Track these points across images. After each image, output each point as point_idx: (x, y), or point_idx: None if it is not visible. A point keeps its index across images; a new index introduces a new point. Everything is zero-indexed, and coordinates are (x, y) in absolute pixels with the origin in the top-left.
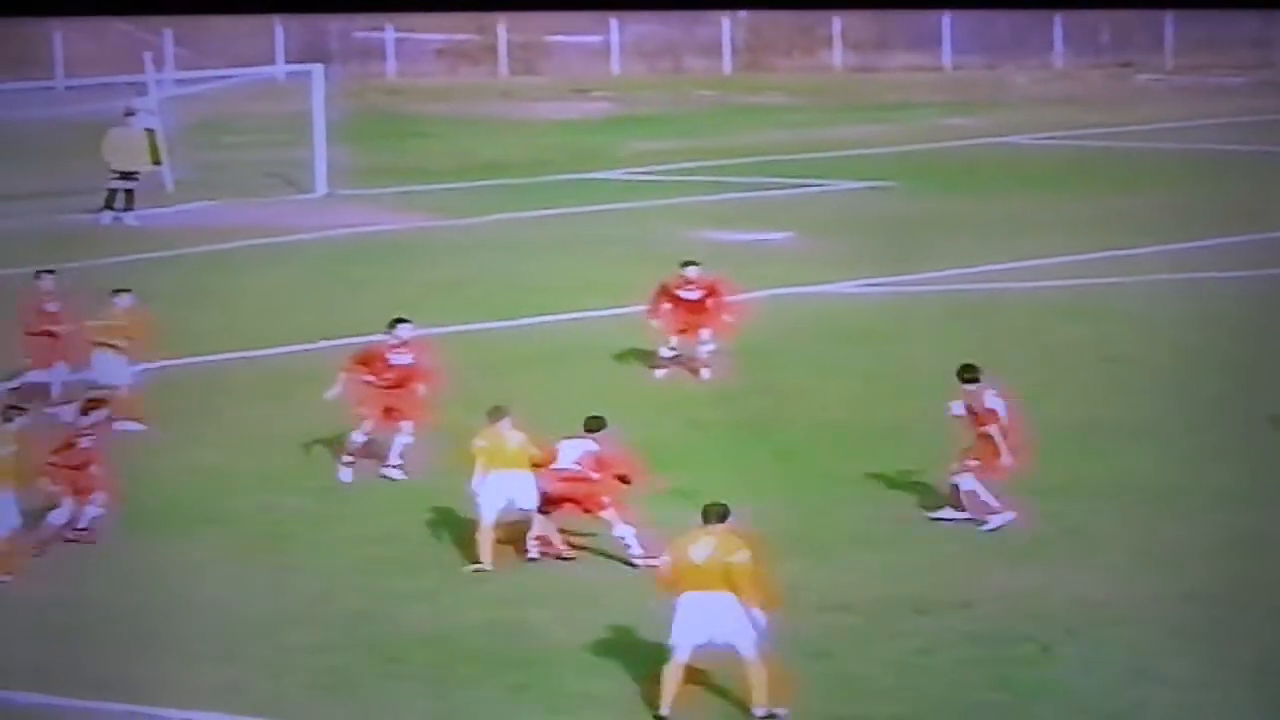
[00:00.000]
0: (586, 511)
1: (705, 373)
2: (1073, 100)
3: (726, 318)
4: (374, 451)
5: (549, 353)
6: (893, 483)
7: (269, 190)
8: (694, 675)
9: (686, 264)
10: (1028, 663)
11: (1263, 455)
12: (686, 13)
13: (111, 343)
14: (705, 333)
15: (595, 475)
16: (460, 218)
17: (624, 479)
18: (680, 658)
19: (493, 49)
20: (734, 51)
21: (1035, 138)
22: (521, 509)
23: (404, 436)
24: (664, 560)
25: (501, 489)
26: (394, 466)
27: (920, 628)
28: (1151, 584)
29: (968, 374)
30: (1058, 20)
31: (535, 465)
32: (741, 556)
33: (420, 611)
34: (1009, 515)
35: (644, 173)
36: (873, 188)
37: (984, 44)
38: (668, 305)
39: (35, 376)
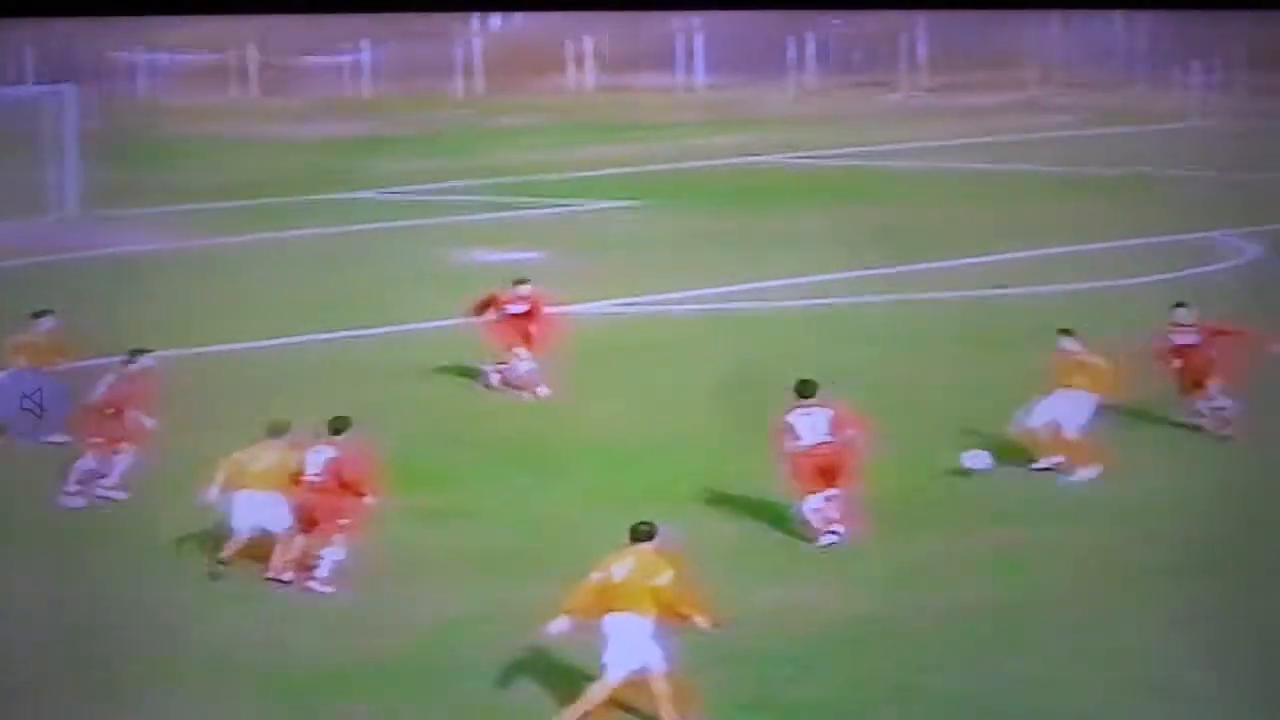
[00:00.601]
0: (320, 532)
1: (543, 390)
2: (825, 119)
3: (549, 334)
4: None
5: (308, 370)
6: (651, 500)
7: (20, 210)
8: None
9: (518, 281)
10: (788, 681)
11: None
12: (438, 34)
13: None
14: (523, 350)
15: (334, 485)
16: (216, 237)
17: (358, 492)
18: (613, 678)
19: (246, 69)
20: (481, 72)
21: (787, 157)
22: (269, 531)
23: (124, 458)
24: (593, 578)
25: (249, 509)
26: (115, 489)
27: (680, 647)
28: (913, 599)
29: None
30: (810, 39)
31: (296, 482)
32: (664, 578)
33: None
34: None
35: (397, 192)
36: (625, 207)
37: (736, 63)
38: (494, 319)
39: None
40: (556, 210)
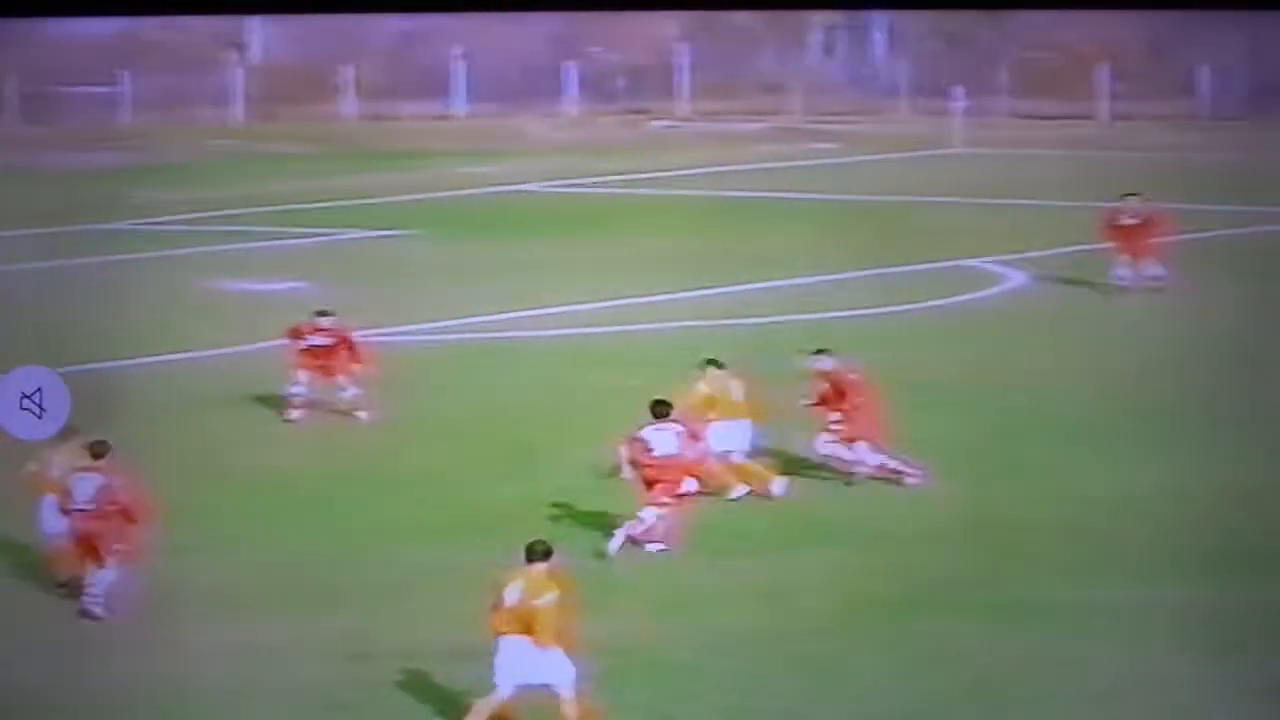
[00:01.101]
0: (94, 561)
1: (363, 415)
2: (587, 147)
3: (360, 364)
4: None
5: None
6: (415, 531)
7: None
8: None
9: (320, 313)
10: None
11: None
12: (196, 60)
13: None
14: (343, 378)
15: (108, 511)
16: None
17: (132, 518)
18: (501, 695)
19: (5, 98)
20: (246, 101)
21: (551, 185)
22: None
23: None
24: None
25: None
26: None
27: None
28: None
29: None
30: (571, 68)
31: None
32: (547, 599)
33: None
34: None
35: (159, 223)
36: (389, 236)
37: (497, 91)
38: (300, 348)
39: None
40: (319, 239)
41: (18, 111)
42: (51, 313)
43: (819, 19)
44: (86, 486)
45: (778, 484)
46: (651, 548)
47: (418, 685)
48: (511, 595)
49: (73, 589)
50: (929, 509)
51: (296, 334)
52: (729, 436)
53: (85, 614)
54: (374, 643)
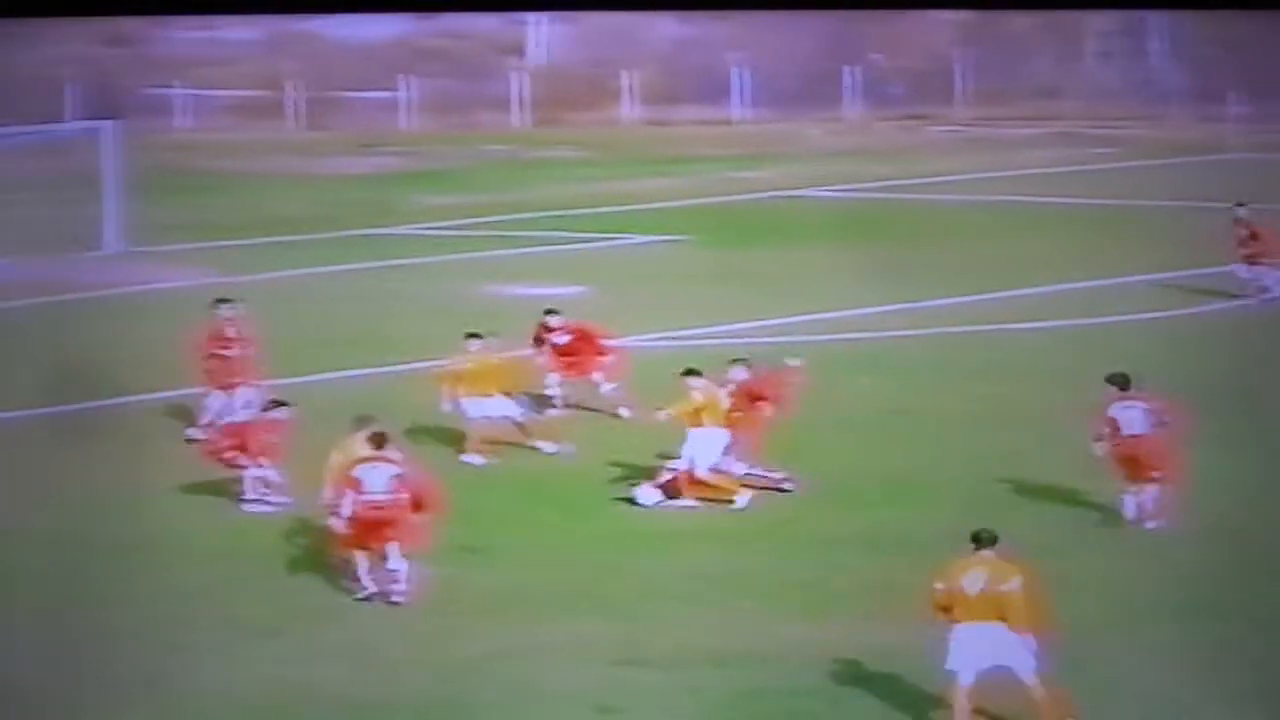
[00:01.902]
0: (385, 549)
1: (625, 412)
2: (864, 152)
3: (606, 356)
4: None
5: (346, 406)
6: (688, 537)
7: (61, 247)
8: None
9: (548, 311)
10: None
11: (1056, 509)
12: (476, 68)
13: None
14: (596, 375)
15: (403, 501)
16: (253, 274)
17: (419, 505)
18: (964, 682)
19: (282, 105)
20: (525, 106)
21: (827, 190)
22: None
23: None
24: (939, 588)
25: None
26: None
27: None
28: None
29: None
30: (848, 72)
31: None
32: (1013, 584)
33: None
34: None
35: (436, 228)
36: (666, 241)
37: (775, 97)
38: (547, 351)
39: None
40: (597, 245)
41: (299, 117)
42: (333, 317)
43: (1096, 24)
44: (378, 476)
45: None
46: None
47: (685, 690)
48: (973, 583)
49: (367, 578)
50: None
51: (538, 339)
52: (702, 446)
53: (387, 601)
54: (643, 647)
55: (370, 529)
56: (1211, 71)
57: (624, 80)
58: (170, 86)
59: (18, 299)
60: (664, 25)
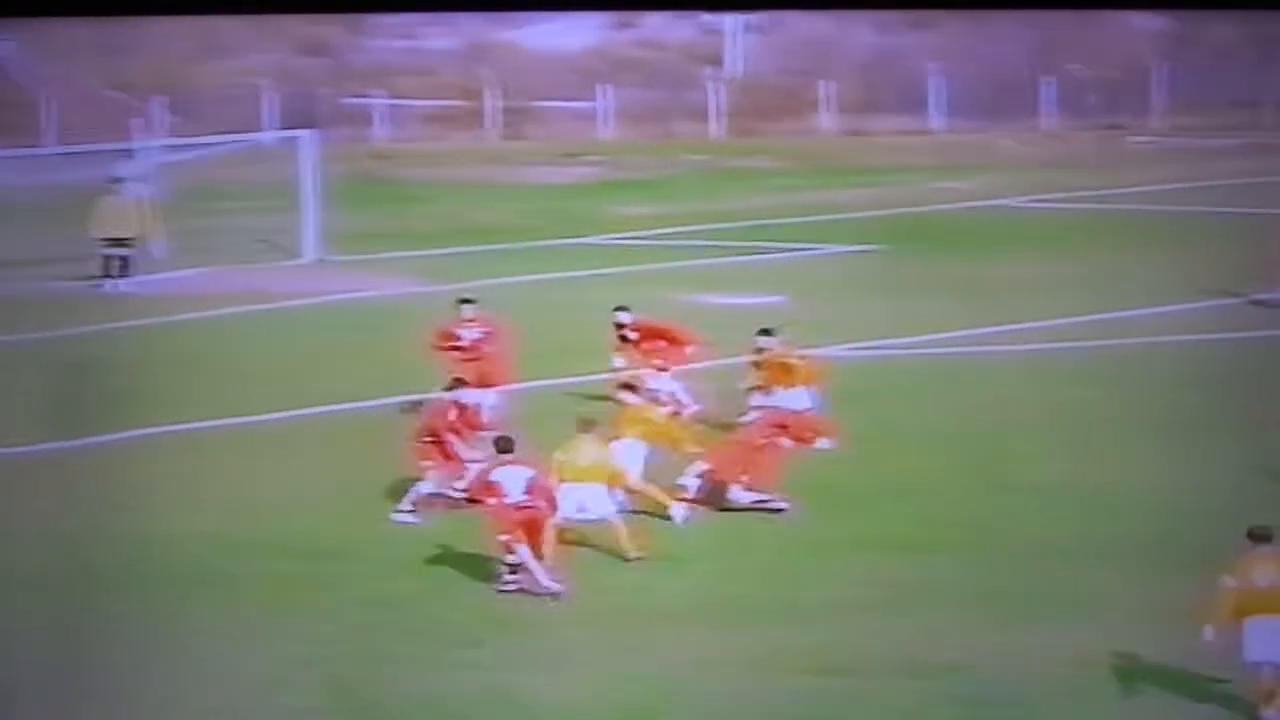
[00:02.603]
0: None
1: (689, 409)
2: (1062, 162)
3: (685, 345)
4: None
5: (546, 415)
6: (885, 545)
7: (260, 256)
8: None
9: (619, 308)
10: None
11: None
12: (676, 78)
13: None
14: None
15: (541, 499)
16: (450, 282)
17: (554, 505)
18: (1266, 674)
19: (481, 114)
20: (722, 115)
21: (1025, 200)
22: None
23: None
24: (1230, 584)
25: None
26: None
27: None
28: (1150, 645)
29: None
30: (1048, 82)
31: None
32: None
33: (414, 677)
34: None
35: (633, 237)
36: (862, 251)
37: (973, 107)
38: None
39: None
40: (793, 255)
41: (497, 126)
42: (532, 326)
43: None
44: (516, 479)
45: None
46: None
47: (882, 700)
48: (1265, 577)
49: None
50: None
51: (622, 338)
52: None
53: (547, 593)
54: (851, 658)
55: (527, 527)
56: None
57: (821, 90)
58: (368, 96)
59: (218, 308)
60: (861, 35)
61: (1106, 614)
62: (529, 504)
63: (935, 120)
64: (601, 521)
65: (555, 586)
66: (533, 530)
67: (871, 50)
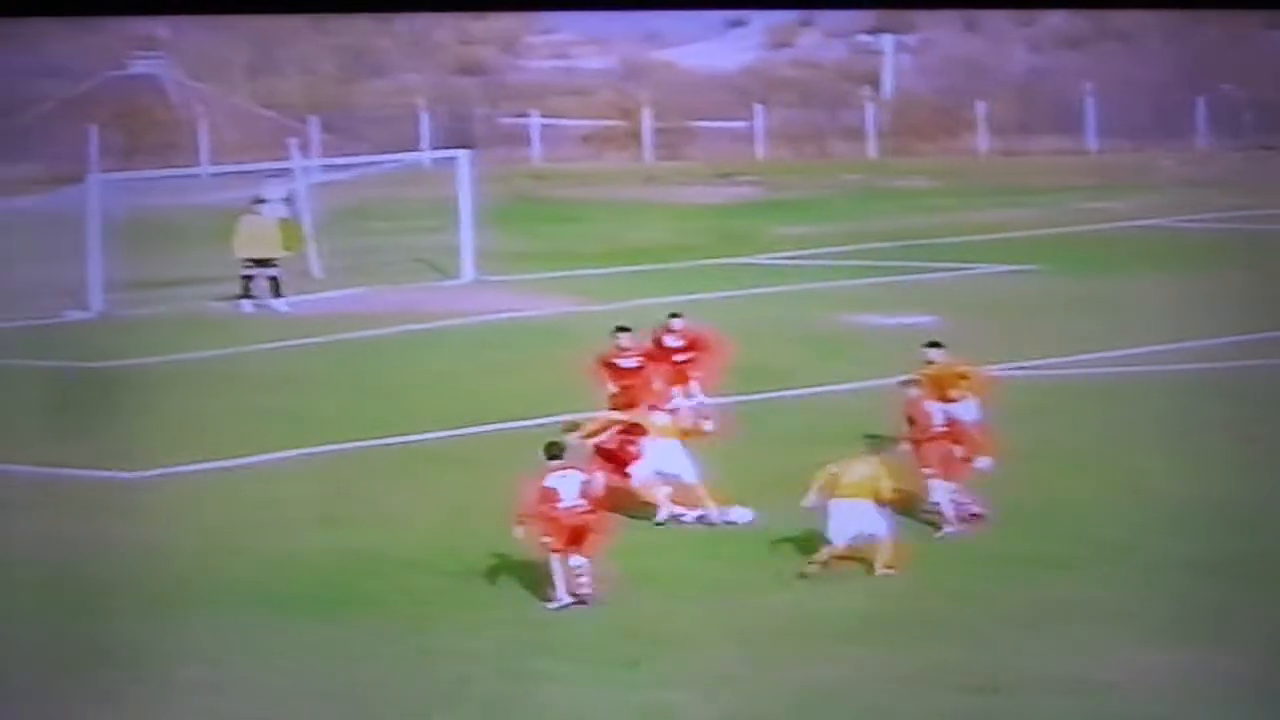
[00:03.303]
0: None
1: (708, 425)
2: (1216, 182)
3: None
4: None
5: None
6: (1034, 561)
7: (417, 276)
8: None
9: (672, 315)
10: None
11: None
12: (830, 97)
13: None
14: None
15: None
16: (607, 302)
17: (604, 506)
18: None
19: (637, 134)
20: (877, 135)
21: (1178, 220)
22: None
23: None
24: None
25: (846, 516)
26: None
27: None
28: None
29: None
30: (1200, 102)
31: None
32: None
33: (563, 694)
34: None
35: (790, 257)
36: (1016, 271)
37: (1128, 127)
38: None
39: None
40: (950, 274)
41: (652, 146)
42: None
43: None
44: (571, 485)
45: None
46: None
47: (1030, 717)
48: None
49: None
50: None
51: (657, 343)
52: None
53: (576, 599)
54: (1003, 675)
55: (574, 534)
56: None
57: (977, 110)
58: (525, 115)
59: (374, 328)
60: (1016, 55)
61: (1251, 634)
62: (583, 509)
63: (1089, 140)
64: (871, 539)
65: (568, 599)
66: (582, 535)
67: (1025, 70)
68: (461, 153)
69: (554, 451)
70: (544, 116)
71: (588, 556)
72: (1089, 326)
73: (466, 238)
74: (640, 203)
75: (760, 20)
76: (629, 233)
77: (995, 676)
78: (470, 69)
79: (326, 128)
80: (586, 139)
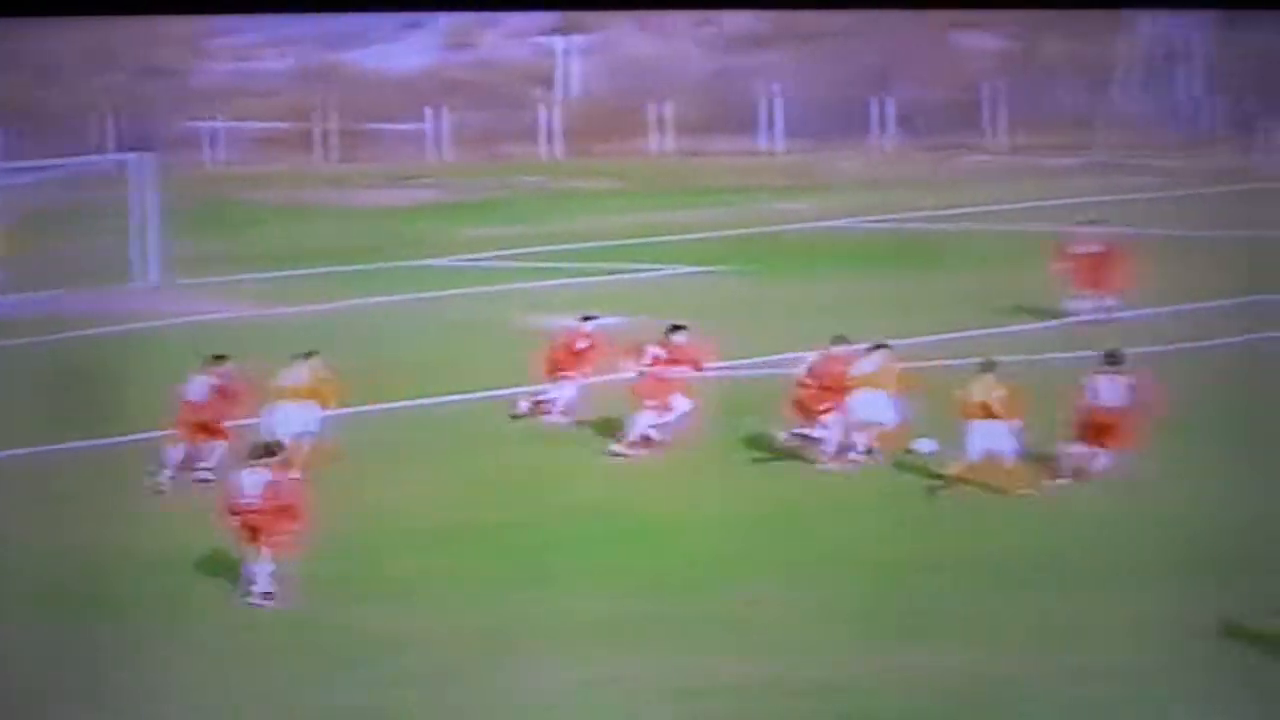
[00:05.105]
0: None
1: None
2: (903, 182)
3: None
4: None
5: (386, 439)
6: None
7: (100, 280)
8: None
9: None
10: None
11: None
12: (506, 97)
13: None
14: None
15: (271, 507)
16: (292, 305)
17: (292, 515)
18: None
19: (320, 137)
20: (557, 137)
21: (867, 220)
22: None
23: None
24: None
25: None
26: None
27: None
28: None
29: None
30: (883, 102)
31: None
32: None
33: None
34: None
35: (473, 259)
36: (705, 272)
37: (811, 127)
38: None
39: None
40: (630, 276)
41: (331, 149)
42: (364, 350)
43: (1128, 53)
44: (255, 482)
45: None
46: None
47: None
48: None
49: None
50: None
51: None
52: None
53: (250, 603)
54: (705, 678)
55: (251, 531)
56: (1245, 99)
57: (655, 111)
58: (206, 119)
59: (60, 332)
60: (694, 55)
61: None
62: (261, 506)
63: (773, 141)
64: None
65: (253, 597)
66: (257, 533)
67: (707, 70)
68: (142, 155)
69: (259, 452)
70: (227, 119)
71: (273, 556)
72: (780, 326)
73: (151, 241)
74: (323, 205)
75: (439, 21)
76: (311, 235)
77: (697, 679)
78: (153, 72)
79: (8, 131)
80: (269, 141)
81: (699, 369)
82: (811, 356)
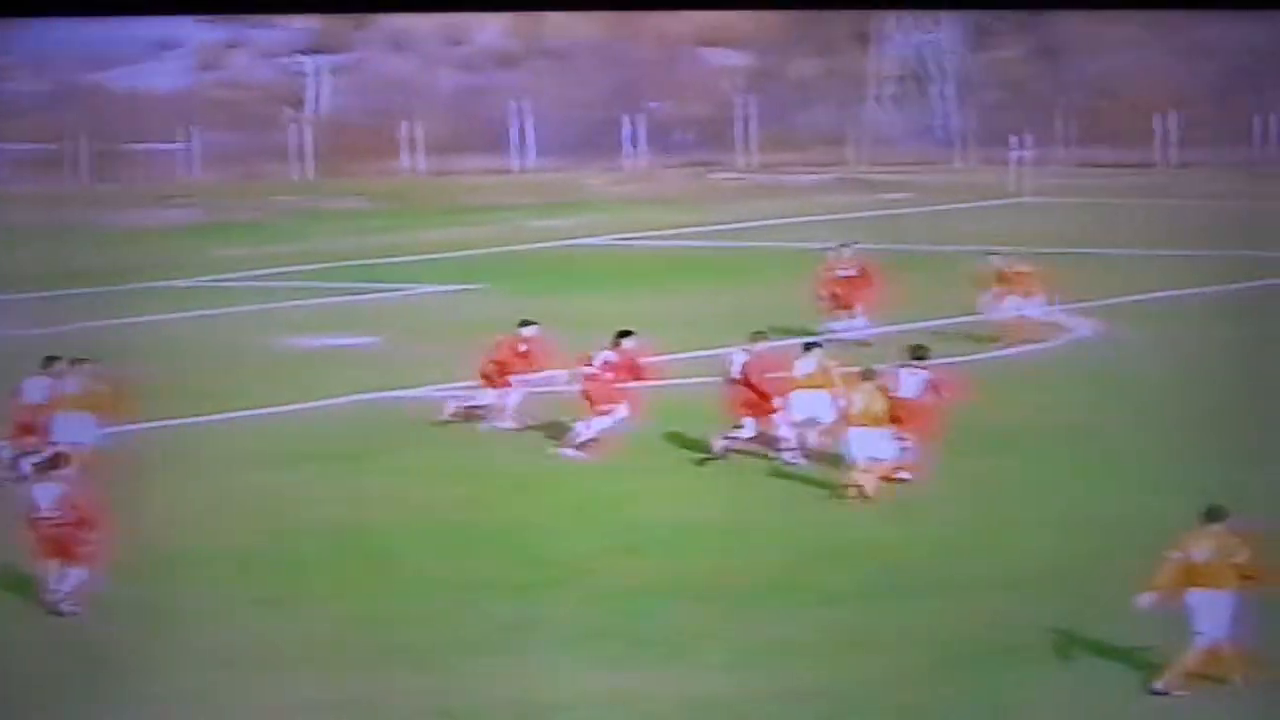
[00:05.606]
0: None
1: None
2: (650, 200)
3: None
4: None
5: (152, 459)
6: (495, 590)
7: None
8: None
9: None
10: None
11: None
12: (259, 117)
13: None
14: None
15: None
16: (48, 327)
17: (89, 524)
18: (1203, 644)
19: (73, 158)
20: (310, 157)
21: (615, 239)
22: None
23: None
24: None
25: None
26: None
27: None
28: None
29: None
30: (631, 120)
31: None
32: (1242, 555)
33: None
34: None
35: (221, 280)
36: (458, 290)
37: (561, 145)
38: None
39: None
40: (386, 295)
41: (86, 169)
42: (119, 371)
43: (879, 70)
44: (47, 495)
45: None
46: None
47: None
48: (1201, 554)
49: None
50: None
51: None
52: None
53: (53, 612)
54: (455, 700)
55: (53, 545)
56: (994, 116)
57: (407, 130)
58: None
59: None
60: (444, 75)
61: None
62: (59, 520)
63: (523, 159)
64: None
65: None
66: (62, 547)
67: (456, 89)
68: None
69: (45, 465)
70: None
71: (80, 569)
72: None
73: None
74: (79, 226)
75: (192, 41)
76: (68, 257)
77: (447, 699)
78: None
79: None
80: (22, 162)
81: (641, 377)
82: (741, 357)
